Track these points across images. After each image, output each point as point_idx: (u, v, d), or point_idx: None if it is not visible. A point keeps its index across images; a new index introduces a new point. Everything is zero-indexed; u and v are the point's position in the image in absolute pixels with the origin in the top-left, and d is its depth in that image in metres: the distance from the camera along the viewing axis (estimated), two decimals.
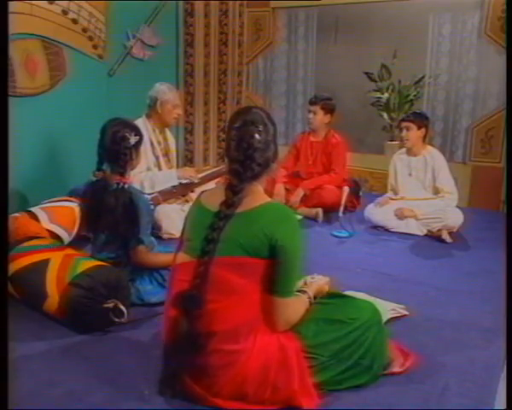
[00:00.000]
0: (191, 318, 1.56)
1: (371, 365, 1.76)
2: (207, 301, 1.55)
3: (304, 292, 1.78)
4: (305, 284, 1.87)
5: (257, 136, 1.56)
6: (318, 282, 1.89)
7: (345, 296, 1.89)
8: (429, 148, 3.83)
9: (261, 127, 1.58)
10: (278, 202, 1.95)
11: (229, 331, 1.57)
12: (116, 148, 2.36)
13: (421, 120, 3.72)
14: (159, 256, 2.45)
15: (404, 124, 3.74)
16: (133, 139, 2.39)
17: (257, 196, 1.62)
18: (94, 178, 2.42)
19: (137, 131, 2.46)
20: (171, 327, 1.62)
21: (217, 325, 1.57)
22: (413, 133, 3.70)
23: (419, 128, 3.70)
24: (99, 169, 2.41)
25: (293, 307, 1.67)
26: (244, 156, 1.55)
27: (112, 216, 2.32)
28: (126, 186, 2.36)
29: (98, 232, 2.46)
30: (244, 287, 1.57)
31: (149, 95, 3.54)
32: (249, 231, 1.55)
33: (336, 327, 1.70)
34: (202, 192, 1.76)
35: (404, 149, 3.90)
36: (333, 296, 1.85)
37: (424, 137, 3.77)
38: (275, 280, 1.57)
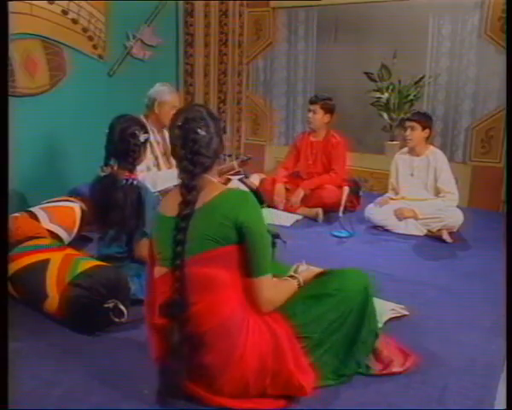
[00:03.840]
0: (180, 323, 1.57)
1: (361, 329, 1.77)
2: (193, 302, 1.57)
3: (294, 278, 1.79)
4: (296, 271, 1.86)
5: (199, 130, 1.60)
6: (311, 272, 1.87)
7: (331, 271, 1.87)
8: (432, 148, 3.82)
9: (202, 122, 1.62)
10: (234, 188, 1.97)
11: (220, 326, 1.57)
12: (125, 144, 2.40)
13: (426, 120, 3.72)
14: None
15: (408, 123, 3.73)
16: (142, 136, 2.44)
17: (212, 187, 1.64)
18: (102, 174, 2.43)
19: (146, 129, 2.51)
20: (161, 337, 1.63)
21: (206, 324, 1.57)
22: (417, 133, 3.70)
23: (423, 129, 3.70)
24: (106, 164, 2.43)
25: (277, 287, 1.70)
26: (191, 153, 1.59)
27: (121, 211, 2.35)
28: (135, 182, 2.39)
29: (107, 228, 2.47)
30: (224, 279, 1.59)
31: (148, 95, 3.54)
32: (214, 222, 1.56)
33: (323, 302, 1.72)
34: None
35: (405, 149, 3.89)
36: (320, 275, 1.85)
37: (427, 137, 3.77)
38: (249, 262, 1.60)
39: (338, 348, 1.76)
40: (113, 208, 2.37)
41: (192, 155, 1.59)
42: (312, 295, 1.73)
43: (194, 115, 1.63)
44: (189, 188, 1.57)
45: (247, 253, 1.59)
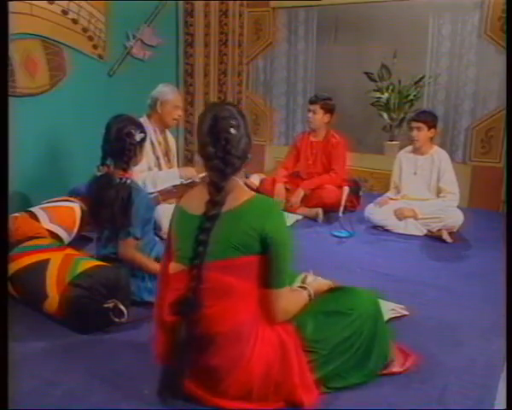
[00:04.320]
0: (190, 322, 1.55)
1: (371, 354, 1.76)
2: (206, 305, 1.55)
3: (305, 288, 1.79)
4: (304, 281, 1.87)
5: (232, 130, 1.56)
6: (320, 283, 1.88)
7: (343, 288, 1.87)
8: (436, 148, 3.82)
9: (234, 121, 1.58)
10: (261, 194, 1.95)
11: (230, 332, 1.57)
12: (121, 144, 2.39)
13: (432, 120, 3.71)
14: (145, 259, 2.43)
15: (415, 124, 3.70)
16: (138, 136, 2.43)
17: (240, 191, 1.61)
18: (98, 173, 2.43)
19: (142, 128, 2.49)
20: (168, 334, 1.62)
21: (218, 328, 1.56)
22: (423, 134, 3.69)
23: (429, 129, 3.69)
24: (103, 164, 2.43)
25: (291, 298, 1.69)
26: (223, 152, 1.55)
27: (111, 209, 2.34)
28: (128, 181, 2.38)
29: (102, 227, 2.47)
30: (241, 287, 1.57)
31: (151, 95, 3.55)
32: (239, 230, 1.54)
33: (335, 319, 1.71)
34: (181, 198, 1.75)
35: (409, 148, 3.89)
36: (331, 291, 1.85)
37: (432, 137, 3.76)
38: (270, 273, 1.58)
39: (346, 370, 1.73)
40: (105, 207, 2.36)
41: (224, 154, 1.55)
42: (324, 312, 1.72)
43: (225, 114, 1.58)
44: (218, 188, 1.54)
45: (269, 264, 1.57)
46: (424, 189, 3.79)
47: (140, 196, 2.41)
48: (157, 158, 3.59)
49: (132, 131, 2.40)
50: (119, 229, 2.37)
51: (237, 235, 1.54)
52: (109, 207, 2.34)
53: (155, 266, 2.37)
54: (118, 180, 2.36)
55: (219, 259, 1.55)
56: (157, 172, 3.54)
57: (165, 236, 3.28)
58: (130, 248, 2.38)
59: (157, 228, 3.29)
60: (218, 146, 1.55)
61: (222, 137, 1.55)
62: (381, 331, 1.80)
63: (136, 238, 2.39)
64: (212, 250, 1.53)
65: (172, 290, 1.62)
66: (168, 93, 3.54)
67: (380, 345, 1.79)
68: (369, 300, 1.81)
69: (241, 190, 1.63)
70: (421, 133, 3.69)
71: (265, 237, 1.53)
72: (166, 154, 3.69)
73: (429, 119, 3.70)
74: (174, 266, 1.65)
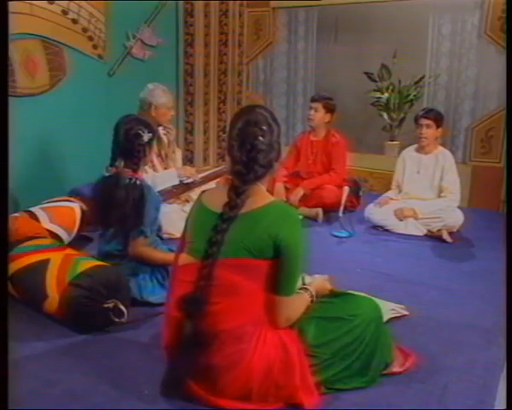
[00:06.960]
0: (195, 319, 1.55)
1: (372, 361, 1.76)
2: (212, 302, 1.55)
3: (306, 290, 1.79)
4: (304, 283, 1.87)
5: (260, 137, 1.54)
6: (318, 280, 1.89)
7: (345, 294, 1.89)
8: (440, 148, 3.81)
9: (265, 128, 1.56)
10: (280, 201, 1.94)
11: (233, 331, 1.57)
12: (129, 144, 2.41)
13: (440, 119, 3.71)
14: (157, 252, 2.48)
15: (425, 121, 3.67)
16: (146, 136, 2.44)
17: (260, 196, 1.61)
18: (106, 174, 2.44)
19: (150, 128, 2.51)
20: (173, 329, 1.62)
21: (221, 325, 1.57)
22: (432, 132, 3.68)
23: (437, 127, 3.69)
24: (112, 165, 2.44)
25: (295, 305, 1.68)
26: (247, 158, 1.54)
27: (121, 209, 2.35)
28: (138, 182, 2.40)
29: (108, 225, 2.48)
30: (248, 288, 1.57)
31: (142, 97, 3.53)
32: (253, 233, 1.54)
33: (337, 325, 1.70)
34: (203, 192, 1.75)
35: (413, 147, 3.88)
36: (333, 296, 1.86)
37: (438, 136, 3.75)
38: (278, 280, 1.58)
39: (347, 375, 1.73)
40: (114, 206, 2.37)
41: (248, 160, 1.53)
42: (326, 317, 1.72)
43: (256, 119, 1.56)
44: (237, 192, 1.53)
45: (279, 270, 1.57)
46: (426, 188, 3.79)
47: (151, 195, 2.43)
48: (151, 160, 3.57)
49: (140, 131, 2.42)
50: (130, 228, 2.38)
51: (251, 238, 1.54)
52: (119, 207, 2.35)
53: (163, 256, 2.43)
54: (127, 180, 2.38)
55: (229, 257, 1.55)
56: (154, 173, 3.53)
57: (164, 235, 3.31)
58: (140, 247, 2.40)
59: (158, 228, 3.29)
60: (243, 151, 1.54)
61: (248, 142, 1.53)
62: (383, 338, 1.80)
63: (146, 237, 2.40)
64: (224, 249, 1.54)
65: (179, 282, 1.63)
66: (161, 96, 3.52)
67: (381, 352, 1.79)
68: (371, 307, 1.81)
69: (261, 195, 1.62)
70: (430, 131, 3.68)
71: (278, 245, 1.53)
72: (160, 154, 3.67)
73: (438, 117, 3.70)
74: (184, 258, 1.65)
